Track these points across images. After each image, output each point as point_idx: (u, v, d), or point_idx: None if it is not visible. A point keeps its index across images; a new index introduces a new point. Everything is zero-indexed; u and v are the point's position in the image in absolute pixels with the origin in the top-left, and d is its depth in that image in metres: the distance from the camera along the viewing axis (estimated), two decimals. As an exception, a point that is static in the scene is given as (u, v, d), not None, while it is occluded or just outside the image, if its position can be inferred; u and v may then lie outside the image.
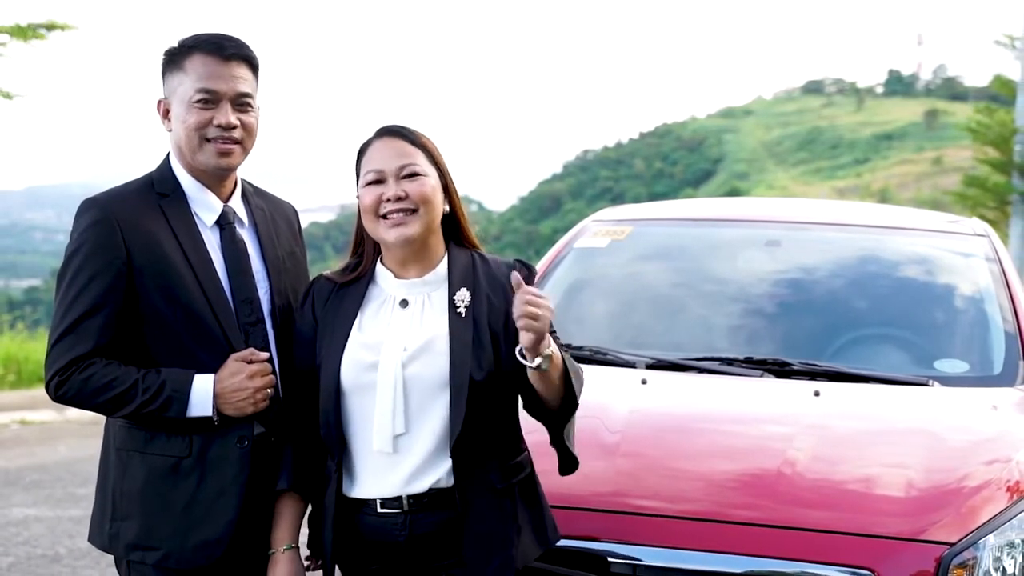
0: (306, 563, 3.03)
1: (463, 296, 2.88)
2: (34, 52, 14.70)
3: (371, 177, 2.88)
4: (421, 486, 2.81)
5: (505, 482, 2.88)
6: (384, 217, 2.85)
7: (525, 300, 2.64)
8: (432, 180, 2.89)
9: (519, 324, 2.65)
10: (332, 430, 2.86)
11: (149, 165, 3.11)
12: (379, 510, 2.84)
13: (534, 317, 2.63)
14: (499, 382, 2.85)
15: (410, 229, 2.85)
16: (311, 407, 2.92)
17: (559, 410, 2.85)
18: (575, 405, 2.84)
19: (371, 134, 2.96)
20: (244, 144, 2.97)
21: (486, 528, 2.83)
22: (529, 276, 2.94)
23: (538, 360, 2.69)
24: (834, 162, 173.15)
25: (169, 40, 3.04)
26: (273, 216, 3.16)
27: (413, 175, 2.86)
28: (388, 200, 2.84)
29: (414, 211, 2.85)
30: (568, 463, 2.96)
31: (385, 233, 2.86)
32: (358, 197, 2.92)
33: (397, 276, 2.93)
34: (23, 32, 14.26)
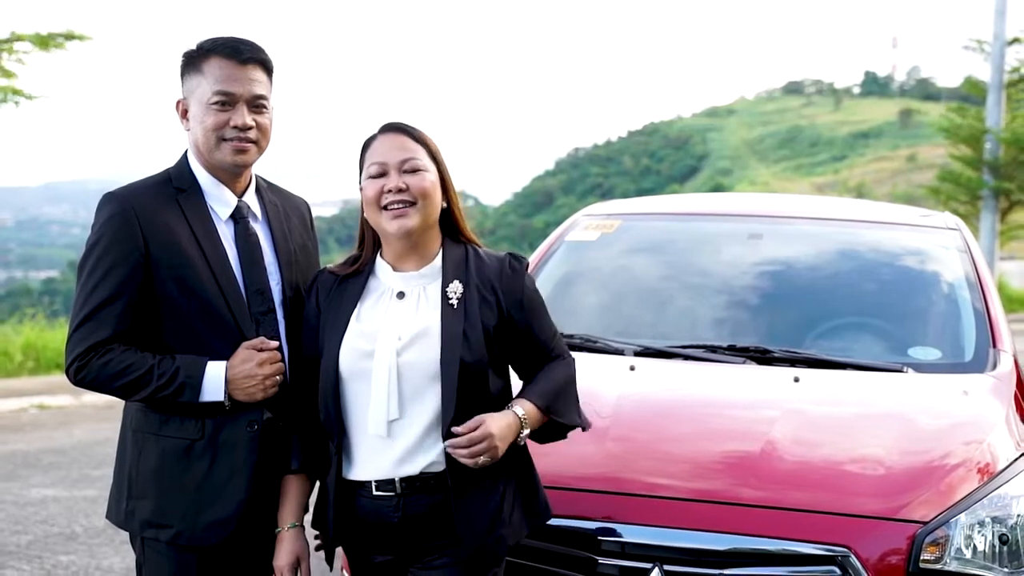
0: (315, 542, 3.04)
1: (455, 288, 2.89)
2: (53, 57, 14.95)
3: (374, 170, 2.88)
4: (413, 469, 2.82)
5: (497, 464, 2.88)
6: (386, 208, 2.86)
7: (463, 456, 2.76)
8: (431, 175, 2.89)
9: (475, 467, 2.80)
10: (331, 415, 2.87)
11: (162, 162, 3.11)
12: (374, 492, 2.84)
13: (487, 460, 2.77)
14: (488, 369, 2.86)
15: (410, 221, 2.85)
16: (316, 392, 2.92)
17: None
18: (571, 427, 3.03)
19: (375, 130, 2.96)
20: (259, 143, 2.98)
21: (478, 508, 2.83)
22: (520, 267, 2.98)
23: (519, 441, 2.88)
24: (813, 159, 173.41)
25: (183, 42, 3.03)
26: (286, 211, 3.16)
27: (414, 170, 2.87)
28: (390, 191, 2.85)
29: (413, 204, 2.85)
30: (562, 431, 3.04)
31: (387, 224, 2.87)
32: (361, 189, 2.92)
33: (395, 269, 2.94)
34: (44, 42, 14.41)
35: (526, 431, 2.85)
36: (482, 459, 2.74)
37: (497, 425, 2.77)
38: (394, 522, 2.84)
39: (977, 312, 4.29)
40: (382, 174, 2.87)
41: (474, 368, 2.81)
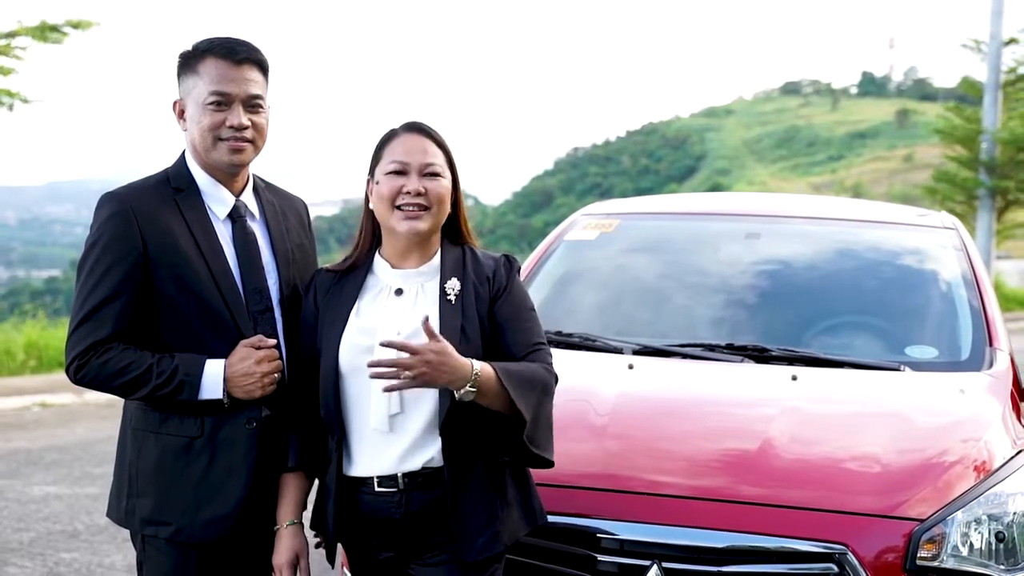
0: (315, 540, 3.03)
1: (453, 285, 2.89)
2: (55, 52, 14.61)
3: (395, 167, 2.87)
4: (415, 464, 2.81)
5: (494, 460, 2.88)
6: (399, 208, 2.85)
7: (405, 363, 2.59)
8: (447, 182, 2.90)
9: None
10: (332, 411, 2.86)
11: (163, 161, 3.12)
12: (376, 488, 2.84)
13: (415, 377, 2.59)
14: None
15: (421, 224, 2.85)
16: (314, 390, 2.92)
17: (510, 424, 2.78)
18: (522, 423, 2.75)
19: (397, 125, 2.95)
20: (255, 143, 2.98)
21: (474, 505, 2.83)
22: (512, 267, 2.97)
23: (460, 395, 2.68)
24: (810, 159, 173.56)
25: (183, 42, 3.04)
26: (283, 210, 3.16)
27: (434, 175, 2.87)
28: (408, 193, 2.84)
29: (427, 208, 2.85)
30: (537, 463, 2.88)
31: (397, 224, 2.86)
32: (376, 182, 2.90)
33: (394, 266, 2.93)
34: (43, 34, 14.11)
35: (470, 387, 2.66)
36: (408, 373, 2.57)
37: (454, 352, 2.62)
38: (396, 518, 2.84)
39: (974, 311, 4.28)
40: (402, 173, 2.87)
41: None
